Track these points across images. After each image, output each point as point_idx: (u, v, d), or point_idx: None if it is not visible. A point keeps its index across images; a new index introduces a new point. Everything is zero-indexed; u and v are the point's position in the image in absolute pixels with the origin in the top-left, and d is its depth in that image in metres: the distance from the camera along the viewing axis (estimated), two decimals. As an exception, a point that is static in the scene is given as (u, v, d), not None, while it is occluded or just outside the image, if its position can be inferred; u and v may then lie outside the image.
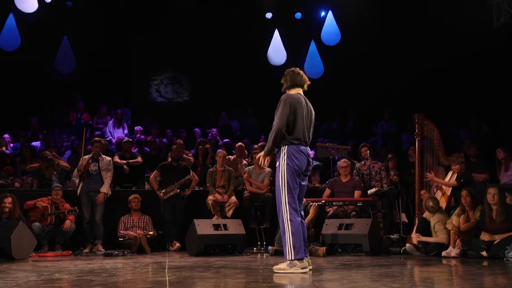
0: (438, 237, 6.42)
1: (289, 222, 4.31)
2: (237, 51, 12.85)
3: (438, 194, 7.13)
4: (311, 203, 6.98)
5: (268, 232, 7.62)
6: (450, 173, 7.15)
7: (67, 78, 12.55)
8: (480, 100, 10.83)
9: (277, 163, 4.45)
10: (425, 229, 6.51)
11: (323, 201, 7.49)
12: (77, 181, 8.05)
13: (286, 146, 4.42)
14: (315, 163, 9.40)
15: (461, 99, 11.22)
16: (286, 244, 4.32)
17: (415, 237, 6.44)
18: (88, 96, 12.14)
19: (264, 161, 4.54)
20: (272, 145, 4.41)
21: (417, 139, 7.31)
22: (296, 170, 4.39)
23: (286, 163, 4.39)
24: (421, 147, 7.34)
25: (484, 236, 5.89)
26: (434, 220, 6.53)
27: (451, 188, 7.04)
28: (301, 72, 4.65)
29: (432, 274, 4.61)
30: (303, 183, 4.50)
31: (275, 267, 4.41)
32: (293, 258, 4.30)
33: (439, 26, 11.19)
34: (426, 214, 6.65)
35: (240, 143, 9.50)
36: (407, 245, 6.47)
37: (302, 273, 4.28)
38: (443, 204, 6.95)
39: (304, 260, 4.35)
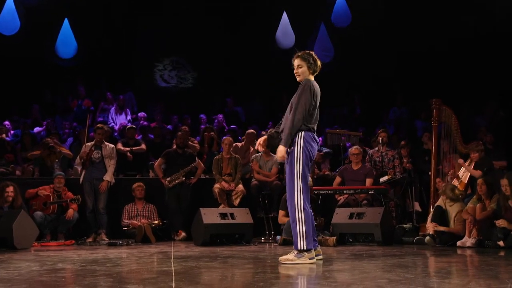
0: (455, 227, 6.40)
1: (302, 210, 4.27)
2: (244, 34, 12.78)
3: (455, 183, 7.10)
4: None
5: (276, 221, 7.62)
6: (467, 162, 7.11)
7: (68, 63, 12.56)
8: (496, 85, 10.73)
9: (290, 149, 4.36)
10: (441, 217, 6.48)
11: (333, 190, 7.48)
12: (79, 169, 8.08)
13: (303, 132, 4.36)
14: (325, 150, 9.38)
15: (476, 83, 11.12)
16: (298, 233, 4.27)
17: (431, 226, 6.41)
18: (90, 81, 12.14)
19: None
20: (292, 134, 4.33)
21: (434, 125, 7.27)
22: (310, 158, 4.39)
23: (303, 149, 4.33)
24: (437, 133, 7.29)
25: (503, 223, 5.85)
26: (454, 209, 6.48)
27: (468, 176, 7.01)
28: None
29: (446, 265, 4.61)
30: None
31: (281, 258, 4.37)
32: (304, 248, 4.27)
33: (457, 4, 11.04)
34: (440, 202, 6.62)
35: (251, 130, 9.47)
36: (427, 237, 6.40)
37: (309, 263, 4.27)
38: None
39: (312, 250, 4.34)
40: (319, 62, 4.55)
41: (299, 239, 4.27)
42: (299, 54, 4.53)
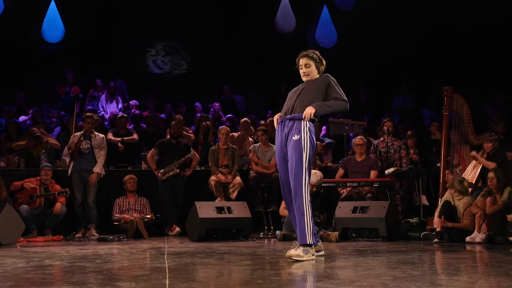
0: (463, 222, 6.41)
1: (309, 203, 4.28)
2: (242, 17, 12.73)
3: (465, 175, 7.10)
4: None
5: (276, 216, 7.64)
6: (480, 153, 7.11)
7: (55, 48, 12.51)
8: (509, 72, 10.71)
9: (297, 137, 4.34)
10: (449, 213, 6.49)
11: (336, 182, 7.48)
12: (67, 160, 8.07)
13: (308, 122, 4.38)
14: (327, 140, 9.38)
15: (487, 70, 11.10)
16: (306, 227, 4.25)
17: (438, 222, 6.41)
18: (78, 67, 12.10)
19: (308, 116, 4.38)
20: (328, 112, 4.45)
21: (444, 113, 7.27)
22: (313, 150, 4.41)
23: (309, 139, 4.34)
24: (448, 123, 7.29)
25: (513, 217, 5.87)
26: (462, 203, 6.48)
27: (479, 169, 7.02)
28: None
29: (454, 261, 4.62)
30: None
31: (291, 253, 4.24)
32: (311, 242, 4.27)
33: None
34: (448, 196, 6.62)
35: (245, 119, 9.47)
36: (434, 240, 6.35)
37: (314, 259, 4.31)
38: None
39: (313, 246, 4.36)
40: (324, 61, 4.65)
41: (308, 233, 4.25)
42: (305, 53, 4.60)
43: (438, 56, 11.64)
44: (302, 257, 4.20)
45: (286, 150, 4.42)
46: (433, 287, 3.04)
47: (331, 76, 4.57)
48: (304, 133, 4.34)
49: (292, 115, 4.45)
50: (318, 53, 4.64)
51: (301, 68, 4.61)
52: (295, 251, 4.22)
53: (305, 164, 4.29)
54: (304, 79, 4.63)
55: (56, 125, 10.42)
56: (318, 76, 4.58)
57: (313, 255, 4.33)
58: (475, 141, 7.17)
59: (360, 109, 11.74)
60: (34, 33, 12.32)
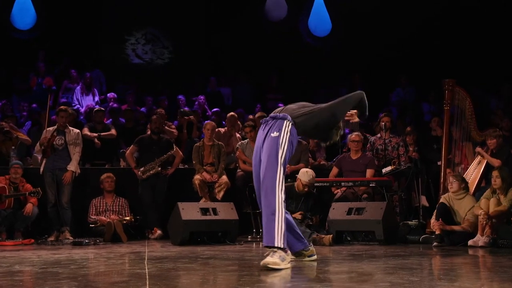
0: (463, 224, 6.46)
1: (283, 202, 4.16)
2: (229, 4, 12.71)
3: (468, 175, 7.16)
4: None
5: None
6: (484, 149, 7.16)
7: (26, 35, 12.41)
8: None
9: (276, 134, 4.31)
10: (446, 215, 6.54)
11: (330, 182, 7.51)
12: (39, 157, 8.02)
13: (291, 125, 4.35)
14: (321, 136, 9.40)
15: (490, 61, 11.18)
16: (276, 227, 4.09)
17: (436, 225, 6.45)
18: (51, 56, 12.02)
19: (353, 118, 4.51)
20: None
21: (445, 108, 7.31)
22: (290, 154, 4.36)
23: (289, 139, 4.31)
24: (449, 118, 7.33)
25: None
26: (463, 205, 6.53)
27: (482, 168, 7.07)
28: None
29: (456, 266, 4.66)
30: None
31: (267, 261, 4.04)
32: (282, 245, 4.09)
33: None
34: (444, 199, 6.67)
35: (232, 113, 9.47)
36: (434, 243, 6.36)
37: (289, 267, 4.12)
38: (471, 186, 6.98)
39: (288, 251, 4.22)
40: None
41: (277, 235, 4.09)
42: None
43: (439, 47, 11.70)
44: (279, 265, 4.03)
45: (263, 148, 4.38)
46: (433, 294, 3.06)
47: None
48: (284, 132, 4.32)
49: (276, 114, 4.47)
50: None
51: None
52: (271, 259, 4.05)
53: (280, 160, 4.23)
54: None
55: (27, 119, 10.36)
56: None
57: (289, 262, 4.16)
58: (478, 137, 7.23)
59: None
60: (2, 19, 12.21)
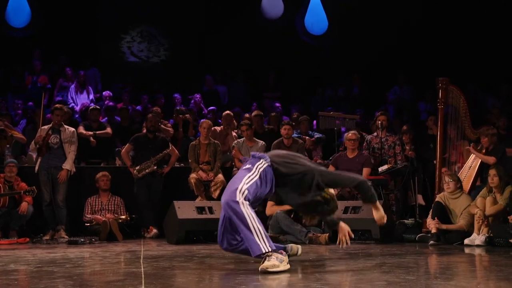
0: (458, 223, 6.47)
1: (249, 210, 4.03)
2: (226, 2, 12.70)
3: (463, 173, 7.18)
4: None
5: (262, 216, 7.64)
6: (478, 147, 7.18)
7: (21, 33, 12.37)
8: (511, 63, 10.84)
9: (247, 166, 4.28)
10: (441, 214, 6.55)
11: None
12: (34, 155, 8.00)
13: (270, 169, 4.26)
14: (317, 135, 9.42)
15: (489, 61, 11.20)
16: (255, 236, 3.97)
17: (432, 224, 6.47)
18: (46, 54, 11.99)
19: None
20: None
21: (440, 107, 7.33)
22: (261, 193, 4.26)
23: (260, 175, 4.20)
24: (444, 117, 7.35)
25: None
26: (459, 204, 6.54)
27: (477, 166, 7.08)
28: None
29: (452, 265, 4.68)
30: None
31: (266, 265, 3.91)
32: (269, 249, 3.97)
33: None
34: (440, 198, 6.68)
35: (227, 112, 9.47)
36: (430, 242, 6.36)
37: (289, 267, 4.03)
38: (467, 184, 7.00)
39: (282, 251, 4.13)
40: None
41: (260, 242, 3.97)
42: None
43: (436, 46, 11.71)
44: (278, 266, 3.94)
45: None
46: (429, 292, 3.07)
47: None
48: (257, 168, 4.25)
49: (255, 153, 4.46)
50: None
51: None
52: (269, 262, 3.94)
53: (248, 177, 4.15)
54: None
55: (22, 117, 10.33)
56: None
57: (288, 263, 4.05)
58: (472, 135, 7.24)
59: (352, 102, 11.80)
60: (-3, 18, 12.19)
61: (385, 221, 4.55)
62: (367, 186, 4.50)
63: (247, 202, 4.04)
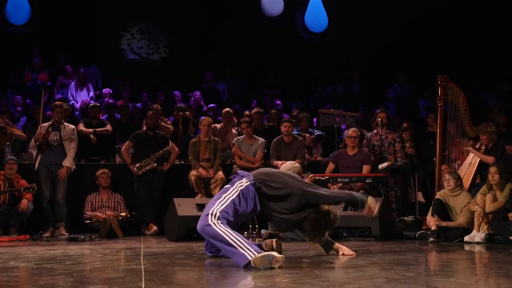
0: (458, 220, 6.48)
1: (221, 225, 4.13)
2: (225, -1, 12.72)
3: (462, 171, 7.18)
4: (307, 175, 6.95)
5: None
6: (477, 145, 7.18)
7: (21, 31, 12.36)
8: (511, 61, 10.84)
9: (227, 186, 4.48)
10: (441, 212, 6.56)
11: (326, 177, 7.51)
12: (34, 153, 8.01)
13: (252, 187, 4.38)
14: (317, 132, 9.42)
15: (489, 56, 11.19)
16: (237, 247, 4.01)
17: (432, 221, 6.47)
18: (46, 52, 11.98)
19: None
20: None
21: (439, 104, 7.33)
22: (243, 210, 4.38)
23: (238, 193, 4.36)
24: (443, 114, 7.35)
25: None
26: (459, 201, 6.54)
27: (476, 163, 7.08)
28: None
29: (452, 262, 4.68)
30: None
31: (256, 263, 3.92)
32: (257, 251, 3.99)
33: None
34: (440, 195, 6.68)
35: (227, 109, 9.46)
36: (430, 239, 6.36)
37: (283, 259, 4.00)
38: (466, 182, 7.00)
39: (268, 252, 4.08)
40: None
41: (244, 251, 4.00)
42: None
43: (436, 43, 11.70)
44: (271, 264, 3.92)
45: None
46: (429, 289, 3.07)
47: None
48: (237, 186, 4.40)
49: (240, 171, 4.64)
50: None
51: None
52: (259, 261, 3.95)
53: (224, 198, 4.32)
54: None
55: (22, 114, 10.33)
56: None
57: (281, 258, 3.98)
58: (471, 132, 7.24)
59: (352, 99, 11.79)
60: (-4, 14, 12.17)
61: (375, 212, 4.53)
62: (351, 198, 4.65)
63: (219, 221, 4.18)
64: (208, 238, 4.27)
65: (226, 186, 4.53)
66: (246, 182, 4.43)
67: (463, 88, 7.48)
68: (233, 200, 4.33)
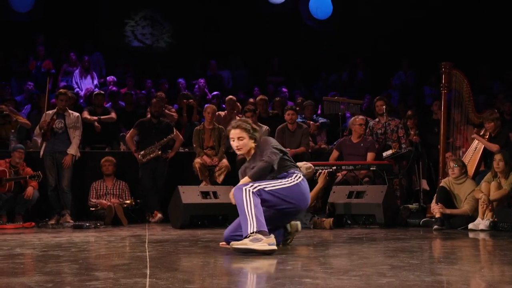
0: (463, 208, 6.47)
1: (251, 193, 4.15)
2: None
3: (466, 158, 7.16)
4: (320, 170, 6.94)
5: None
6: (482, 132, 7.16)
7: (24, 18, 12.34)
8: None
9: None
10: (446, 199, 6.55)
11: (334, 168, 7.49)
12: (39, 140, 8.02)
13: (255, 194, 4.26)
14: (321, 120, 9.40)
15: (495, 46, 11.13)
16: (247, 215, 4.06)
17: (436, 208, 6.47)
18: (50, 39, 11.97)
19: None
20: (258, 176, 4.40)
21: (443, 92, 7.30)
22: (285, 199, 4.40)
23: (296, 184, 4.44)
24: (447, 101, 7.33)
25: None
26: (463, 189, 6.53)
27: (481, 150, 7.07)
28: None
29: (456, 249, 4.68)
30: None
31: (235, 243, 4.05)
32: (255, 230, 4.01)
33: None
34: (444, 182, 6.67)
35: (230, 96, 9.45)
36: (434, 226, 6.35)
37: (270, 250, 3.94)
38: (471, 168, 6.99)
39: (271, 235, 4.10)
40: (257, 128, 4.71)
41: (249, 221, 4.06)
42: (238, 124, 4.53)
43: (441, 30, 11.63)
44: (247, 244, 3.98)
45: None
46: (433, 276, 3.08)
47: (266, 139, 4.66)
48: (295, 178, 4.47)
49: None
50: (250, 121, 4.72)
51: (233, 141, 4.55)
52: (240, 241, 4.04)
53: (278, 182, 4.35)
54: (238, 152, 4.64)
55: (26, 102, 10.33)
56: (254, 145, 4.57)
57: (270, 244, 3.97)
58: (476, 119, 7.22)
59: (357, 87, 11.75)
60: (0, 2, 12.13)
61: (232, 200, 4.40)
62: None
63: (252, 191, 4.16)
64: (235, 200, 4.23)
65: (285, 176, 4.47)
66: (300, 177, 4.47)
67: (470, 75, 7.43)
68: (289, 187, 4.36)
